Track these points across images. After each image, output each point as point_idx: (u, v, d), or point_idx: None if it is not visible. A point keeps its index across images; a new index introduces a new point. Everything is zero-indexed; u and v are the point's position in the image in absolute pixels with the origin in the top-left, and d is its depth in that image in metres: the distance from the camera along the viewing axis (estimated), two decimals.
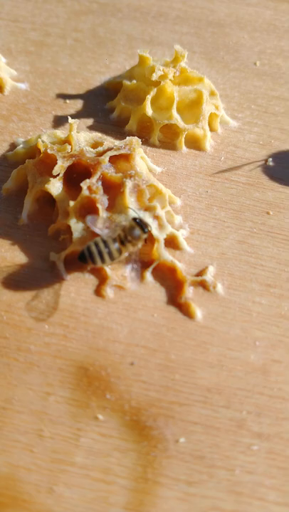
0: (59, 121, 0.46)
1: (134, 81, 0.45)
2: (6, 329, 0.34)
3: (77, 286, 0.36)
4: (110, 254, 0.33)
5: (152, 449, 0.30)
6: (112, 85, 0.49)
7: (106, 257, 0.33)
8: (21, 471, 0.29)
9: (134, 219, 0.34)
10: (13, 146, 0.43)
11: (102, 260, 0.33)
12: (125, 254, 0.35)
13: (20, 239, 0.38)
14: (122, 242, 0.34)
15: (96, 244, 0.34)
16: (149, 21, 0.57)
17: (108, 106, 0.47)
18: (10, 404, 0.31)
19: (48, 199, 0.39)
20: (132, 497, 0.29)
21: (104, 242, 0.33)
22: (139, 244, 0.35)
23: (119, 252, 0.34)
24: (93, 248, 0.33)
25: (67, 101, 0.48)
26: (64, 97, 0.48)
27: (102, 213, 0.36)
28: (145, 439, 0.30)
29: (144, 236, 0.35)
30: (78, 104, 0.48)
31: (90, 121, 0.46)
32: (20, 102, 0.47)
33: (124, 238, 0.34)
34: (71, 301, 0.35)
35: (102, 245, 0.33)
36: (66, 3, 0.57)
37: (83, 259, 0.34)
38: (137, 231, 0.34)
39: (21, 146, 0.42)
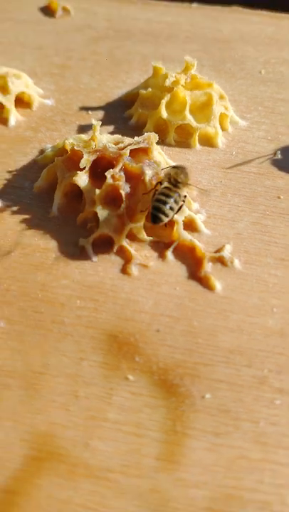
0: (83, 129, 0.51)
1: (150, 89, 0.50)
2: (41, 305, 0.37)
3: (104, 266, 0.39)
4: (175, 200, 0.38)
5: (180, 405, 0.32)
6: (129, 97, 0.53)
7: (172, 204, 0.38)
8: (58, 429, 0.31)
9: (173, 166, 0.40)
10: (42, 152, 0.48)
11: (171, 209, 0.38)
12: (183, 197, 0.39)
13: (52, 229, 0.42)
14: (176, 185, 0.39)
15: (158, 200, 0.38)
16: (160, 42, 0.62)
17: (127, 114, 0.52)
18: (46, 369, 0.33)
19: (75, 194, 0.43)
20: (163, 448, 0.30)
21: (163, 194, 0.38)
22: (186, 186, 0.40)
23: (179, 196, 0.38)
24: (157, 204, 0.37)
25: (90, 112, 0.53)
26: (86, 109, 0.53)
27: (125, 200, 0.39)
28: (173, 396, 0.32)
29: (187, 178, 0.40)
30: (99, 115, 0.53)
31: (110, 128, 0.51)
32: (47, 116, 0.52)
33: (175, 182, 0.39)
34: (100, 279, 0.38)
35: (163, 197, 0.38)
36: (84, 32, 0.63)
37: (156, 219, 0.37)
38: (182, 175, 0.39)
39: (49, 149, 0.46)
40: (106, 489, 0.29)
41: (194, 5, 0.69)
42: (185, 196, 0.40)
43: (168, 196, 0.38)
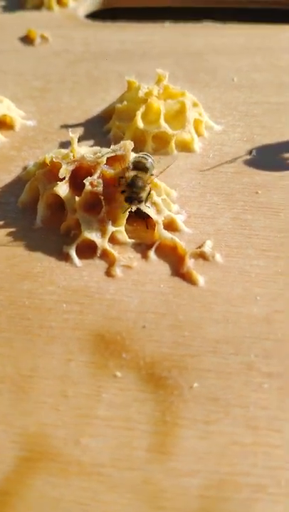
0: (64, 145, 0.53)
1: (125, 102, 0.52)
2: (29, 312, 0.37)
3: (89, 270, 0.40)
4: (143, 180, 0.40)
5: (169, 396, 0.32)
6: (107, 112, 0.56)
7: (141, 184, 0.39)
8: (49, 428, 0.31)
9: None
10: (25, 169, 0.50)
11: (142, 189, 0.39)
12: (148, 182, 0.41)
13: (37, 239, 0.43)
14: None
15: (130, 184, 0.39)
16: (135, 60, 0.65)
17: (105, 129, 0.54)
18: (35, 372, 0.34)
19: (58, 205, 0.44)
20: (154, 439, 0.30)
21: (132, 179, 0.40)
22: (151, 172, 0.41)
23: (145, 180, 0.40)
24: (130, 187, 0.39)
25: (70, 129, 0.54)
26: (67, 127, 0.55)
27: (105, 205, 0.41)
28: (161, 388, 0.32)
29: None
30: (79, 131, 0.54)
31: (90, 143, 0.53)
32: (30, 135, 0.54)
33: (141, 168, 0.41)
34: (85, 283, 0.39)
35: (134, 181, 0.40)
36: (63, 56, 0.66)
37: (129, 199, 0.39)
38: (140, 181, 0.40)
39: (31, 165, 0.48)
40: (98, 484, 0.29)
41: (167, 24, 0.72)
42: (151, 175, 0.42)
43: (137, 181, 0.40)
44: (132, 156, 0.42)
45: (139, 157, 0.42)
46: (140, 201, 0.40)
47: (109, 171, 0.42)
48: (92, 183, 0.41)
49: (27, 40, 0.71)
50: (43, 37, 0.70)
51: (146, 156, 0.42)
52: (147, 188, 0.40)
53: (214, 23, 0.71)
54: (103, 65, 0.64)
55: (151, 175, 0.42)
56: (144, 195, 0.40)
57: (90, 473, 0.29)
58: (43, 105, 0.58)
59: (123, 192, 0.40)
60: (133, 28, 0.71)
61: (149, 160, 0.42)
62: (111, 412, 0.32)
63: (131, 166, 0.41)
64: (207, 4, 0.81)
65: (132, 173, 0.40)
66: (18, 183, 0.48)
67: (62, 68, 0.64)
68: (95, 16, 0.81)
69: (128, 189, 0.39)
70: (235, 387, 0.32)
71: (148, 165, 0.42)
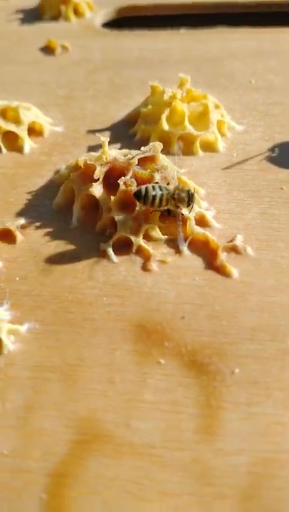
0: (93, 149, 0.55)
1: (150, 106, 0.54)
2: (72, 306, 0.39)
3: (126, 266, 0.42)
4: (159, 198, 0.40)
5: (211, 381, 0.34)
6: (132, 116, 0.58)
7: (155, 198, 0.40)
8: (99, 413, 0.33)
9: (188, 190, 0.42)
10: (57, 172, 0.52)
11: (153, 200, 0.40)
12: (166, 208, 0.41)
13: (74, 239, 0.45)
14: (168, 199, 0.41)
15: (148, 188, 0.41)
16: (155, 67, 0.67)
17: (131, 132, 0.56)
18: (82, 362, 0.36)
19: (92, 206, 0.46)
20: (200, 422, 0.32)
21: (158, 188, 0.41)
22: (181, 210, 0.42)
23: (166, 201, 0.41)
24: (144, 189, 0.41)
25: (97, 134, 0.57)
26: (93, 132, 0.57)
27: (139, 204, 0.43)
28: (204, 374, 0.34)
29: (187, 206, 0.42)
30: (106, 135, 0.57)
31: (117, 146, 0.55)
32: (59, 141, 0.56)
33: (172, 195, 0.41)
34: (123, 278, 0.41)
35: (151, 189, 0.41)
36: (83, 65, 0.69)
37: (137, 196, 0.41)
38: (183, 195, 0.41)
39: (64, 169, 0.50)
40: (150, 464, 0.30)
41: (182, 30, 0.74)
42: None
43: (156, 190, 0.41)
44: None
45: (187, 191, 0.42)
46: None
47: (141, 171, 0.44)
48: (126, 182, 0.43)
49: (47, 50, 0.73)
50: (63, 47, 0.72)
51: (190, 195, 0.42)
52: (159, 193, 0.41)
53: (228, 27, 0.73)
54: (124, 72, 0.67)
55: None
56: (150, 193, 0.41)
57: (141, 453, 0.31)
58: (69, 112, 0.61)
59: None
60: (150, 36, 0.74)
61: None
62: (157, 396, 0.33)
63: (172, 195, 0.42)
64: (218, 10, 0.83)
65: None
66: (50, 186, 0.50)
67: (84, 77, 0.67)
68: (111, 25, 0.84)
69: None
70: (273, 372, 0.34)
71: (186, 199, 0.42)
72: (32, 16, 0.86)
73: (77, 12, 0.83)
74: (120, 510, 0.29)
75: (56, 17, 0.83)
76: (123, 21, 0.84)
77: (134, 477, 0.30)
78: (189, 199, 0.41)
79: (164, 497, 0.29)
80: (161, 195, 0.41)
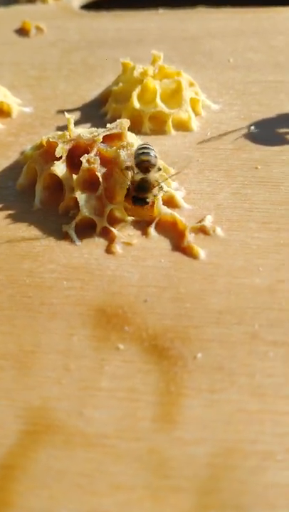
0: (61, 129, 0.52)
1: (121, 84, 0.52)
2: (29, 290, 0.37)
3: (89, 248, 0.39)
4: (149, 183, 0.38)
5: (172, 367, 0.32)
6: (103, 96, 0.55)
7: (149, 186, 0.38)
8: (52, 401, 0.31)
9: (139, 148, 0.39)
10: (23, 153, 0.49)
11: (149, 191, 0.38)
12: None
13: (36, 221, 0.42)
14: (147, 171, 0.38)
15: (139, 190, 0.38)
16: (131, 46, 0.65)
17: (102, 112, 0.54)
18: (38, 348, 0.33)
19: (56, 187, 0.44)
20: (159, 410, 0.30)
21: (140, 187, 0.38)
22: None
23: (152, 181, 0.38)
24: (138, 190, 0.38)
25: (67, 114, 0.54)
26: (63, 111, 0.55)
27: (103, 182, 0.40)
28: (165, 359, 0.32)
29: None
30: (76, 115, 0.54)
31: (87, 126, 0.52)
32: (27, 122, 0.54)
33: (145, 169, 0.38)
34: (85, 261, 0.39)
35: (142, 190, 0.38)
36: (58, 45, 0.66)
37: (139, 200, 0.38)
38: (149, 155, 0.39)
39: (29, 149, 0.48)
40: (103, 455, 0.28)
41: (160, 11, 0.72)
42: (159, 169, 0.40)
43: (144, 185, 0.38)
44: (135, 148, 0.40)
45: (141, 154, 0.39)
46: (147, 202, 0.39)
47: (106, 149, 0.42)
48: (89, 160, 0.40)
49: (22, 32, 0.71)
50: (38, 28, 0.70)
51: (148, 151, 0.39)
52: (155, 189, 0.39)
53: (208, 7, 0.70)
54: (99, 52, 0.64)
55: (159, 169, 0.40)
56: (150, 196, 0.38)
57: (94, 444, 0.29)
58: (40, 92, 0.58)
59: (131, 196, 0.39)
60: (128, 16, 0.71)
61: (152, 154, 0.39)
62: (115, 383, 0.31)
63: (135, 166, 0.39)
64: None
65: (137, 177, 0.38)
66: (15, 168, 0.48)
67: (58, 57, 0.64)
68: (89, 7, 0.81)
69: (136, 192, 0.38)
70: (239, 357, 0.32)
71: (152, 161, 0.39)
72: None
73: None
74: (69, 506, 0.27)
75: (33, 0, 0.81)
76: (102, 4, 0.81)
77: (86, 469, 0.28)
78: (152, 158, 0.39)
79: (116, 490, 0.27)
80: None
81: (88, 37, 0.68)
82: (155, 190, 0.39)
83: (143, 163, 0.39)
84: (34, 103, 0.56)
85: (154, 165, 0.39)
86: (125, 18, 0.71)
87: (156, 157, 0.40)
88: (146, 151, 0.39)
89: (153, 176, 0.39)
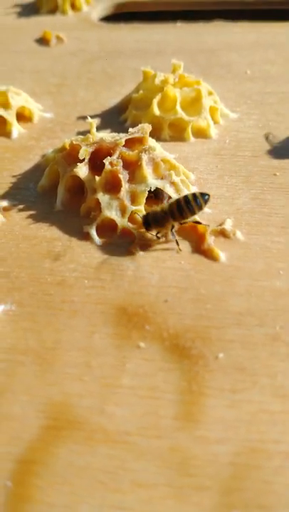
0: (82, 134, 0.53)
1: (141, 91, 0.53)
2: (51, 288, 0.37)
3: (110, 249, 0.40)
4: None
5: (194, 366, 0.32)
6: (123, 103, 0.56)
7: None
8: (74, 398, 0.31)
9: (193, 194, 0.38)
10: (44, 156, 0.50)
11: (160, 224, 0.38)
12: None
13: (57, 221, 0.43)
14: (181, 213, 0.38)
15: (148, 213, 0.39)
16: (150, 57, 0.66)
17: (122, 118, 0.55)
18: (59, 345, 0.34)
19: (78, 189, 0.44)
20: (181, 408, 0.30)
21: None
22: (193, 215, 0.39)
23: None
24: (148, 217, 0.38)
25: (87, 120, 0.55)
26: (84, 118, 0.56)
27: (125, 184, 0.41)
28: (186, 359, 0.32)
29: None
30: (97, 121, 0.55)
31: (107, 132, 0.53)
32: (48, 127, 0.55)
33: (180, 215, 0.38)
34: (106, 261, 0.39)
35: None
36: (78, 55, 0.68)
37: (147, 225, 0.39)
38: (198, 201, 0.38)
39: (50, 152, 0.49)
40: (125, 452, 0.28)
41: (179, 24, 0.73)
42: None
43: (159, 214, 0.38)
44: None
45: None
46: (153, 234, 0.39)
47: (128, 152, 0.42)
48: (112, 162, 0.41)
49: (43, 41, 0.72)
50: (58, 38, 0.71)
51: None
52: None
53: (225, 21, 0.72)
54: (118, 62, 0.65)
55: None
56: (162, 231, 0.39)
57: (116, 441, 0.29)
58: (60, 99, 0.59)
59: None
60: (146, 29, 0.73)
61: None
62: (136, 381, 0.31)
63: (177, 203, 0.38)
64: (216, 7, 0.82)
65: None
66: (36, 170, 0.49)
67: (78, 66, 0.66)
68: (108, 19, 0.83)
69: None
70: (261, 358, 0.32)
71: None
72: (29, 9, 0.85)
73: (74, 6, 0.83)
74: (90, 502, 0.27)
75: (53, 11, 0.83)
76: (120, 17, 0.83)
77: (107, 466, 0.28)
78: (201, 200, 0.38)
79: (139, 488, 0.27)
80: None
81: (107, 47, 0.69)
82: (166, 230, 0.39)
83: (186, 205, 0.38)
84: (55, 109, 0.57)
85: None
86: (144, 30, 0.73)
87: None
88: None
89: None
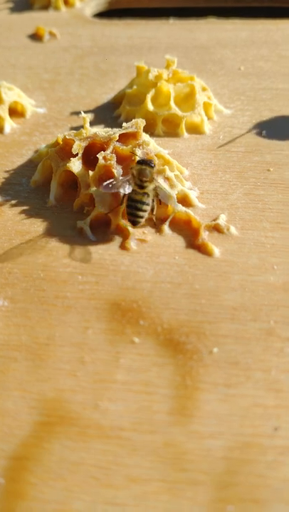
0: (75, 130, 0.53)
1: (135, 87, 0.52)
2: (44, 283, 0.37)
3: (103, 244, 0.40)
4: (142, 202, 0.38)
5: (188, 361, 0.31)
6: (117, 98, 0.56)
7: (143, 207, 0.38)
8: (67, 394, 0.31)
9: (138, 162, 0.39)
10: (37, 152, 0.50)
11: (143, 211, 0.38)
12: (151, 193, 0.39)
13: (50, 217, 0.43)
14: (141, 187, 0.38)
15: (129, 206, 0.38)
16: (143, 53, 0.66)
17: (116, 113, 0.54)
18: (52, 340, 0.33)
19: (71, 184, 0.44)
20: (175, 403, 0.30)
21: (132, 200, 0.38)
22: (157, 181, 0.39)
23: (146, 195, 0.38)
24: (129, 210, 0.38)
25: (80, 115, 0.55)
26: (77, 113, 0.55)
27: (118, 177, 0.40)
28: (180, 353, 0.32)
29: (154, 169, 0.39)
30: (90, 117, 0.54)
31: (101, 127, 0.53)
32: (40, 122, 0.54)
33: (140, 182, 0.38)
34: (99, 256, 0.39)
35: (133, 203, 0.38)
36: (71, 51, 0.67)
37: (134, 222, 0.38)
38: (147, 170, 0.38)
39: (43, 147, 0.48)
40: (119, 447, 0.28)
41: (171, 20, 0.73)
42: (155, 187, 0.39)
43: (137, 204, 0.38)
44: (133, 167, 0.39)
45: (139, 170, 0.39)
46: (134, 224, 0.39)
47: (122, 147, 0.42)
48: (106, 157, 0.41)
49: (36, 37, 0.72)
50: (51, 34, 0.71)
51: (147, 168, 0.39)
52: (148, 208, 0.39)
53: (218, 19, 0.72)
54: (111, 58, 0.65)
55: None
56: (145, 215, 0.39)
57: (110, 436, 0.28)
58: (53, 95, 0.59)
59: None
60: (139, 25, 0.73)
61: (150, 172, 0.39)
62: (130, 376, 0.31)
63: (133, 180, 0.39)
64: (208, 4, 0.82)
65: (133, 195, 0.38)
66: (29, 165, 0.48)
67: (71, 62, 0.65)
68: (101, 16, 0.82)
69: (130, 218, 0.39)
70: (255, 352, 0.32)
71: (148, 179, 0.38)
72: (22, 5, 0.84)
73: (67, 2, 0.82)
74: (84, 497, 0.26)
75: (46, 6, 0.82)
76: (114, 13, 0.82)
77: (101, 461, 0.28)
78: (149, 164, 0.38)
79: (133, 483, 0.27)
80: (140, 201, 0.38)
81: (100, 43, 0.69)
82: (148, 208, 0.39)
83: (138, 178, 0.38)
84: (47, 105, 0.57)
85: (148, 181, 0.38)
86: (137, 27, 0.72)
87: (151, 173, 0.38)
88: (143, 166, 0.39)
89: (146, 191, 0.38)
